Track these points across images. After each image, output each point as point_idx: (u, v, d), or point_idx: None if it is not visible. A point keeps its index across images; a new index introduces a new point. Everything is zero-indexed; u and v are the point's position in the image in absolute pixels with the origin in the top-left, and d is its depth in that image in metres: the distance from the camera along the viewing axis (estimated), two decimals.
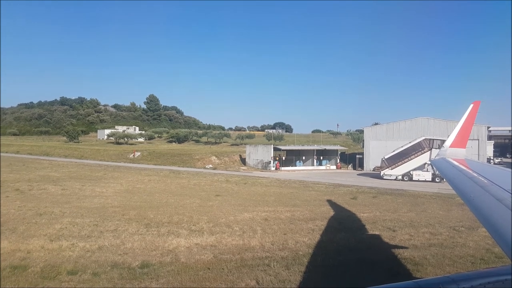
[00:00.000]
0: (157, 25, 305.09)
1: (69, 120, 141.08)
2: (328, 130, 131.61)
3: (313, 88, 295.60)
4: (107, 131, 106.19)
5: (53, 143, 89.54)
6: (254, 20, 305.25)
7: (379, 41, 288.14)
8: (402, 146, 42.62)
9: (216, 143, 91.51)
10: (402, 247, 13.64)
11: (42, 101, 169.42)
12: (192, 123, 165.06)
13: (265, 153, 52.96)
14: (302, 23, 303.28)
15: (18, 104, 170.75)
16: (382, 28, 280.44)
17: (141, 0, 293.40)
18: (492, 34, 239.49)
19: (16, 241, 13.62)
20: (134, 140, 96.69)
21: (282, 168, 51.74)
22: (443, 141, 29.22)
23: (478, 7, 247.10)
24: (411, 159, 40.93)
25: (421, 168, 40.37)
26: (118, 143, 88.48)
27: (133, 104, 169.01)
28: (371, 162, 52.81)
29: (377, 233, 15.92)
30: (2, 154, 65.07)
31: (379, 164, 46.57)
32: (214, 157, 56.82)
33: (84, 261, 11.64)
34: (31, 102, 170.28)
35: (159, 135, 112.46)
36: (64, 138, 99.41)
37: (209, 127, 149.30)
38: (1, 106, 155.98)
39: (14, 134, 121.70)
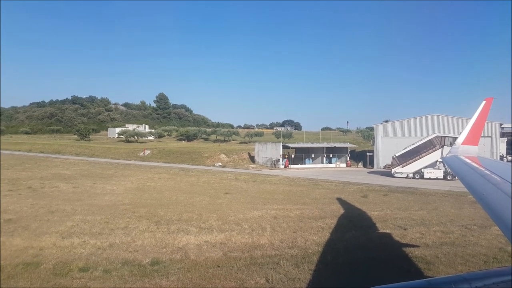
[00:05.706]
0: (168, 23, 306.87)
1: (80, 119, 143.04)
2: (337, 128, 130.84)
3: (322, 86, 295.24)
4: (118, 130, 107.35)
5: (64, 141, 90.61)
6: (264, 18, 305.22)
7: (389, 39, 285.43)
8: (413, 144, 42.08)
9: (225, 141, 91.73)
10: (413, 246, 13.49)
11: (54, 100, 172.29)
12: (201, 121, 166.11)
13: (274, 151, 52.84)
14: (312, 21, 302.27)
15: (30, 103, 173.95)
16: (392, 25, 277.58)
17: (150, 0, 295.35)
18: (504, 31, 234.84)
19: (29, 238, 13.85)
20: (144, 139, 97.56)
21: (291, 166, 51.59)
22: (454, 139, 28.74)
23: (490, 4, 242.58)
24: (422, 157, 40.39)
25: (432, 165, 39.85)
26: (128, 141, 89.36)
27: (143, 102, 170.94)
28: (381, 159, 52.27)
29: (387, 231, 15.77)
30: (14, 152, 66.42)
31: (389, 162, 46.11)
32: (223, 155, 56.93)
33: (95, 258, 11.78)
34: (43, 101, 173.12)
35: (169, 133, 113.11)
36: (75, 136, 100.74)
37: (218, 125, 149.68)
38: (14, 106, 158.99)
39: (26, 133, 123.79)
